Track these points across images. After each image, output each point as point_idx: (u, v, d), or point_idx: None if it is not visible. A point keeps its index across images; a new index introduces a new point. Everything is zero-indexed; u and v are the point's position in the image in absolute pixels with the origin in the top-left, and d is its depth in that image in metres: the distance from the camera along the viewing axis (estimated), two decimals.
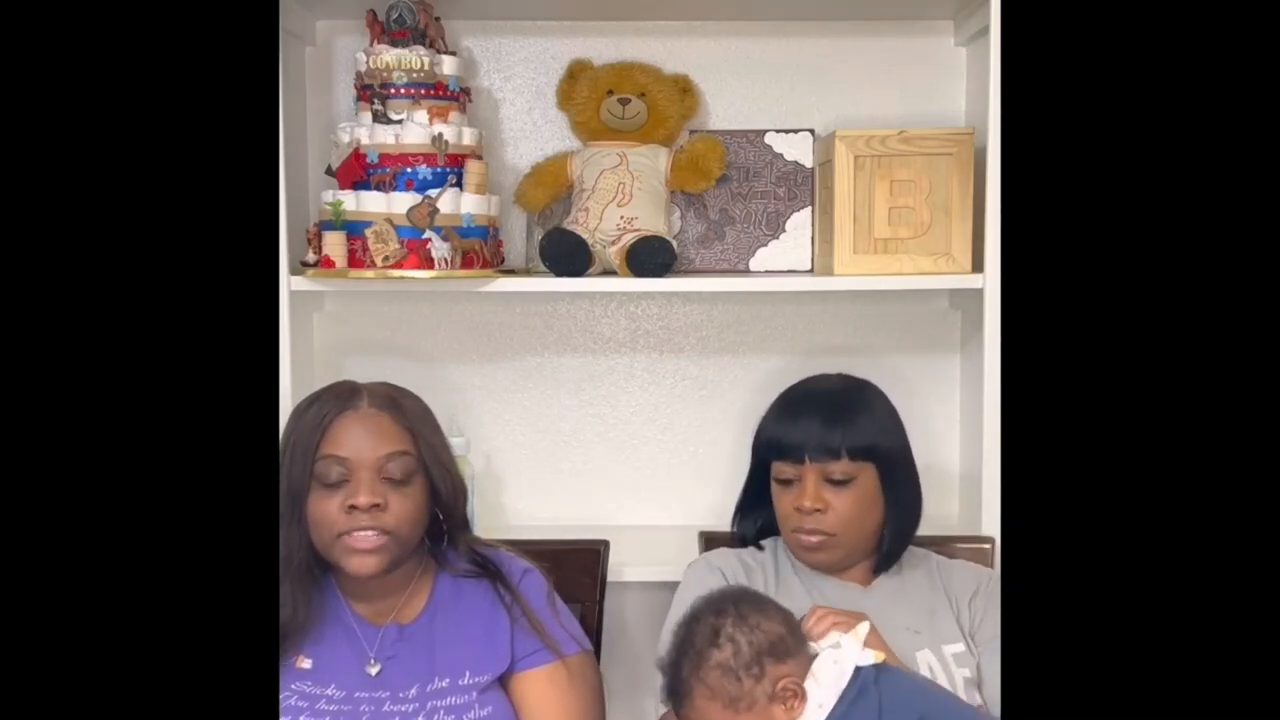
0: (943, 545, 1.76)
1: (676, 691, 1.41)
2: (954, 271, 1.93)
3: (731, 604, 1.41)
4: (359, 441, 1.49)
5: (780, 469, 1.60)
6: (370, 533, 1.47)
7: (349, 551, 1.48)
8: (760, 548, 1.69)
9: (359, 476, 1.48)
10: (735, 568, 1.62)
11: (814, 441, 1.56)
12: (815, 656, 1.40)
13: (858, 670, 1.38)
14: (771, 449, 1.62)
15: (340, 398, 1.53)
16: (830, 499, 1.56)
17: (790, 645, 1.39)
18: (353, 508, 1.47)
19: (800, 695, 1.37)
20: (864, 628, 1.42)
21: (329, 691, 1.49)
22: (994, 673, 1.53)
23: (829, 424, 1.57)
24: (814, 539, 1.57)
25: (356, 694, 1.49)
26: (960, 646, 1.57)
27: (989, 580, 1.64)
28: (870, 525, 1.60)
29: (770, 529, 1.68)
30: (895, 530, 1.61)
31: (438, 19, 1.96)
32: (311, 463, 1.48)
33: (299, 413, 1.54)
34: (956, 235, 1.92)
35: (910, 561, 1.66)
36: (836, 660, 1.38)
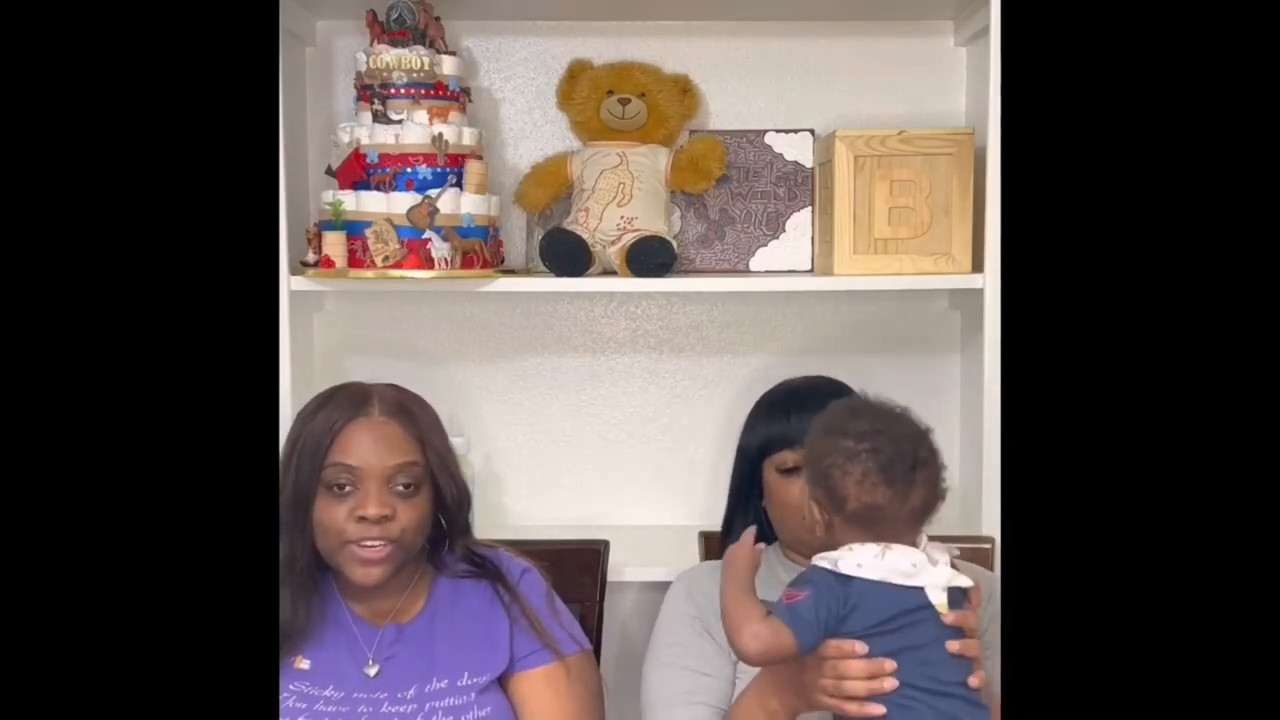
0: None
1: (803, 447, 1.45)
2: (954, 271, 1.93)
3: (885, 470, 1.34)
4: (369, 451, 1.48)
5: (785, 459, 1.57)
6: (378, 543, 1.46)
7: (355, 561, 1.47)
8: None
9: (367, 487, 1.47)
10: (711, 591, 1.53)
11: None
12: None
13: (921, 593, 1.32)
14: (773, 443, 1.60)
15: (351, 404, 1.51)
16: None
17: (898, 518, 1.33)
18: (362, 518, 1.46)
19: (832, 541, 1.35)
20: (969, 581, 1.36)
21: (327, 692, 1.48)
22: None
23: None
24: None
25: (355, 695, 1.48)
26: None
27: (994, 584, 1.63)
28: None
29: (760, 534, 1.66)
30: None
31: (438, 19, 1.96)
32: (319, 469, 1.47)
33: (307, 415, 1.52)
34: (956, 235, 1.92)
35: None
36: (914, 563, 1.32)
